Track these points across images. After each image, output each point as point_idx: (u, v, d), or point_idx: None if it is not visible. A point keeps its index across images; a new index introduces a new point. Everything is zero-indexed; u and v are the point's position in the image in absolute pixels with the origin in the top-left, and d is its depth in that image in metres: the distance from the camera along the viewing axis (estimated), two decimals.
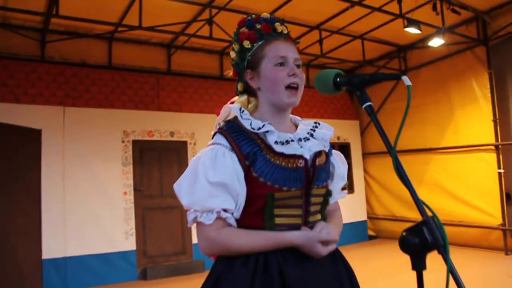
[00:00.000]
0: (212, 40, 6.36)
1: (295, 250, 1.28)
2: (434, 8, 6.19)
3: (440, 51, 7.60)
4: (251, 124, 1.34)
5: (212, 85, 7.73)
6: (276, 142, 1.33)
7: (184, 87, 7.45)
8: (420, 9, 6.22)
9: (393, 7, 6.17)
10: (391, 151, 1.02)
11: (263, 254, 1.26)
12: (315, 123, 1.52)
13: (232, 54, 1.50)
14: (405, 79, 1.03)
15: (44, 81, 6.20)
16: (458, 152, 7.49)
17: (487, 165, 6.97)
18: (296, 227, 1.31)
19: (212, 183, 1.24)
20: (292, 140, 1.36)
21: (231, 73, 1.54)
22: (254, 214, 1.31)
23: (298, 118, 1.57)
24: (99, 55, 6.87)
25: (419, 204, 0.97)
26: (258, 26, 1.44)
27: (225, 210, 1.27)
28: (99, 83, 6.66)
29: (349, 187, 9.14)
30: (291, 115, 1.55)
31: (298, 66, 1.42)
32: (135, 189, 6.73)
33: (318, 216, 1.41)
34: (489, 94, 6.95)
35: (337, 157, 1.58)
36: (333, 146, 1.58)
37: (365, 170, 9.52)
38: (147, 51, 7.34)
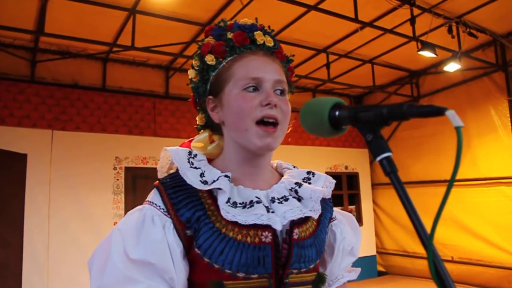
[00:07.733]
0: None
1: None
2: (450, 31, 5.83)
3: (455, 77, 7.25)
4: (201, 176, 0.91)
5: None
6: (230, 204, 0.88)
7: (182, 112, 7.06)
8: (435, 32, 5.88)
9: (406, 29, 5.77)
10: (427, 243, 0.56)
11: None
12: (308, 173, 1.05)
13: (191, 74, 1.05)
14: (452, 116, 0.58)
15: (32, 103, 5.88)
16: (476, 185, 7.03)
17: (508, 200, 6.55)
18: None
19: (132, 261, 0.81)
20: (259, 202, 0.91)
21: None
22: None
23: (288, 165, 1.09)
24: (93, 77, 6.53)
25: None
26: (229, 35, 0.99)
27: None
28: (91, 106, 6.31)
29: (357, 219, 8.62)
30: (277, 162, 1.10)
31: (280, 92, 0.96)
32: None
33: None
34: (510, 124, 6.56)
35: (343, 221, 1.11)
36: (331, 203, 1.09)
37: (374, 202, 9.09)
38: (144, 74, 7.00)
